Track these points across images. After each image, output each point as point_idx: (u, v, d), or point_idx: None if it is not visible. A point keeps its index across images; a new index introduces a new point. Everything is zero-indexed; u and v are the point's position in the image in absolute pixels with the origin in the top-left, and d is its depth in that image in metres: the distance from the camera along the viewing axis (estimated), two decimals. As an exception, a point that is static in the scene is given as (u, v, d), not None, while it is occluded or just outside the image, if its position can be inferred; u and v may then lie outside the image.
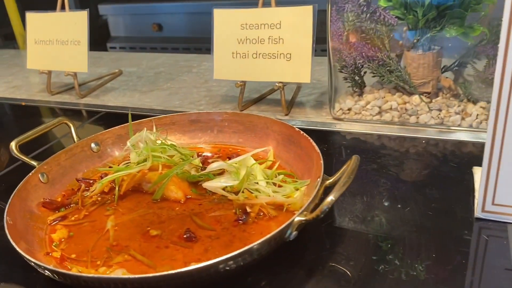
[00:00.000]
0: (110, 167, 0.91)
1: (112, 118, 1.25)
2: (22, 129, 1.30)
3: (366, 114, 1.04)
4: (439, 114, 0.97)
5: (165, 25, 2.92)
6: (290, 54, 1.07)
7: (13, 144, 0.82)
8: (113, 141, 0.95)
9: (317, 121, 1.09)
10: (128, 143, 0.85)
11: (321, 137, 1.03)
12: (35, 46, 1.43)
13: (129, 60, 1.81)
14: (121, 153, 0.93)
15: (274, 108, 1.19)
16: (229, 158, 0.91)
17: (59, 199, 0.81)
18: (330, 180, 0.69)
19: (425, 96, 0.99)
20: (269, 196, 0.74)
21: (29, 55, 1.45)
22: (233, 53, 1.13)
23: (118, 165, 0.88)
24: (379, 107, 1.02)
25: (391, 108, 1.01)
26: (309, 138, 0.82)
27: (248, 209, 0.73)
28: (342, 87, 1.08)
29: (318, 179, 0.70)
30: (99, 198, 0.82)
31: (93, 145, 0.92)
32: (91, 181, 0.86)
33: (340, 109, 1.06)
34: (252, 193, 0.75)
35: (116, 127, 0.95)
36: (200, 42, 2.90)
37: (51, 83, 1.47)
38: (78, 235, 0.73)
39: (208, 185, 0.78)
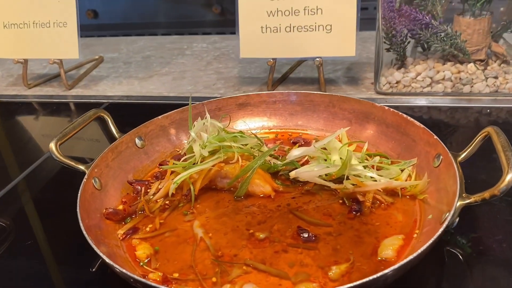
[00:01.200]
0: (161, 166, 0.77)
1: (123, 109, 1.09)
2: (13, 131, 1.10)
3: (417, 86, 0.98)
4: (495, 81, 0.94)
5: (101, 12, 2.69)
6: (331, 25, 0.98)
7: (53, 146, 0.66)
8: (157, 134, 0.80)
9: (361, 97, 1.01)
10: (192, 133, 0.72)
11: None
12: (5, 31, 1.20)
13: (102, 46, 1.61)
14: (183, 144, 0.79)
15: (305, 87, 1.10)
16: (294, 143, 0.81)
17: (120, 207, 0.67)
18: (462, 156, 0.61)
19: (479, 63, 0.95)
20: (376, 181, 0.66)
21: (-4, 42, 1.22)
22: (262, 27, 1.02)
23: (178, 159, 0.75)
24: (431, 78, 0.96)
25: (443, 79, 0.96)
26: (400, 112, 0.74)
27: (361, 198, 0.64)
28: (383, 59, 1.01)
29: (440, 157, 0.63)
30: (167, 202, 0.68)
31: (137, 140, 0.77)
32: (146, 183, 0.72)
33: (387, 82, 0.99)
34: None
35: (159, 117, 0.81)
36: (143, 28, 2.71)
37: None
38: (165, 249, 0.60)
39: (302, 174, 0.68)
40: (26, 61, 1.22)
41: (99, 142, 1.01)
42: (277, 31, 1.01)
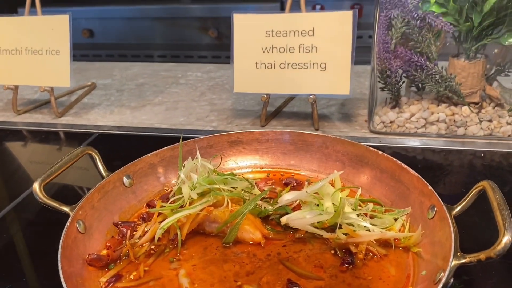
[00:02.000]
0: (148, 206, 0.75)
1: (113, 141, 1.07)
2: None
3: (411, 127, 0.97)
4: (489, 125, 0.93)
5: (96, 31, 2.69)
6: (325, 63, 0.97)
7: (36, 187, 0.64)
8: (146, 172, 0.78)
9: (354, 135, 1.01)
10: (181, 174, 0.70)
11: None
12: (-4, 57, 1.19)
13: (95, 71, 1.59)
14: (172, 183, 0.77)
15: (299, 122, 1.09)
16: (286, 184, 0.80)
17: (104, 252, 0.64)
18: (457, 210, 0.60)
19: (473, 106, 0.94)
20: (370, 231, 0.64)
21: (-13, 67, 1.20)
22: (256, 63, 1.01)
23: (163, 201, 0.73)
24: (425, 119, 0.96)
25: (437, 120, 0.95)
26: (394, 158, 0.73)
27: (353, 249, 0.62)
28: (377, 98, 1.01)
29: (434, 208, 0.62)
30: (152, 247, 0.66)
31: (125, 179, 0.75)
32: (132, 224, 0.70)
33: (381, 122, 0.98)
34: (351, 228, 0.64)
35: (148, 154, 0.79)
36: (139, 49, 2.72)
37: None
38: (149, 300, 0.58)
39: (293, 222, 0.66)
40: (16, 87, 1.20)
41: (87, 171, 0.99)
42: (271, 67, 1.01)
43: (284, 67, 1.00)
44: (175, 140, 0.81)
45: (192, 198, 0.68)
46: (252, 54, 1.01)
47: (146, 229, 0.68)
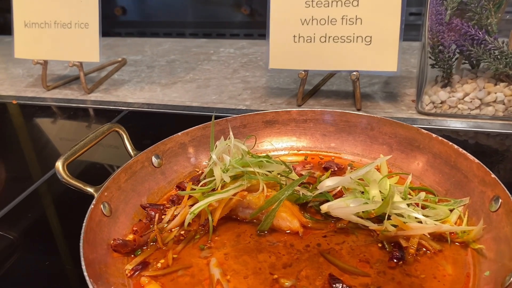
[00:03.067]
0: (178, 188, 0.70)
1: (142, 119, 1.02)
2: (29, 136, 1.05)
3: (464, 108, 0.88)
4: (555, 106, 0.84)
5: (129, 9, 2.66)
6: (371, 37, 0.89)
7: (59, 165, 0.60)
8: (176, 152, 0.73)
9: (401, 116, 0.92)
10: (213, 156, 0.64)
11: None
12: (26, 31, 1.16)
13: (126, 47, 1.56)
14: (203, 164, 0.72)
15: (339, 102, 1.01)
16: (326, 169, 0.73)
17: (130, 237, 0.60)
18: (527, 203, 0.52)
19: (537, 86, 0.85)
20: (422, 223, 0.57)
21: (16, 41, 1.18)
22: (294, 36, 0.94)
23: (193, 183, 0.67)
24: (480, 100, 0.87)
25: (495, 101, 0.86)
26: (450, 142, 0.65)
27: (404, 243, 0.56)
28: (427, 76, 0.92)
29: (499, 200, 0.54)
30: (182, 232, 0.61)
31: (154, 158, 0.70)
32: (161, 207, 0.66)
33: (431, 102, 0.90)
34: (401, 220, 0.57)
35: (178, 133, 0.74)
36: (171, 27, 2.67)
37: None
38: (178, 291, 0.53)
39: (336, 211, 0.59)
40: (46, 62, 1.17)
41: (117, 149, 0.95)
42: (310, 41, 0.93)
43: (325, 41, 0.92)
44: (207, 119, 0.76)
45: (224, 181, 0.62)
46: (290, 27, 0.94)
47: (175, 213, 0.64)
